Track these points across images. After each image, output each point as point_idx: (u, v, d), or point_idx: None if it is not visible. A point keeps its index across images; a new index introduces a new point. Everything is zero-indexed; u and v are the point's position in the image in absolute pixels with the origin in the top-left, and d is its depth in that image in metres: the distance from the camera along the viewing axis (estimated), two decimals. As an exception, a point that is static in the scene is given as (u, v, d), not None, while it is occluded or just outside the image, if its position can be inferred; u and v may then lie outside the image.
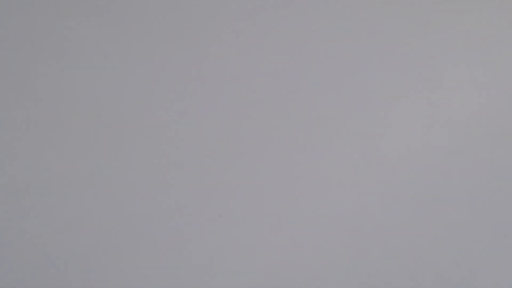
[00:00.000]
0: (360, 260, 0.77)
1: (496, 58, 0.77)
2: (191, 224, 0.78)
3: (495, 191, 0.77)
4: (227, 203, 0.78)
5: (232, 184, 0.78)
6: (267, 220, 0.78)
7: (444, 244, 0.77)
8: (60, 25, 0.79)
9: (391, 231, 0.77)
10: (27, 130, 0.79)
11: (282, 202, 0.78)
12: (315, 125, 0.77)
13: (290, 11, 0.77)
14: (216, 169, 0.78)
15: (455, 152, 0.77)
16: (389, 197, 0.77)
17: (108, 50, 0.79)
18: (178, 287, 0.79)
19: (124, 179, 0.79)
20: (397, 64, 0.77)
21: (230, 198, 0.78)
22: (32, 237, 0.80)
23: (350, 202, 0.78)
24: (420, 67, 0.77)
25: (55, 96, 0.79)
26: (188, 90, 0.79)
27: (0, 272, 0.80)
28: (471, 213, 0.77)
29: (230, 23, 0.78)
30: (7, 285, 0.80)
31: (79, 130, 0.79)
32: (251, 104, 0.78)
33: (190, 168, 0.79)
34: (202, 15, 0.78)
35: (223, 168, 0.78)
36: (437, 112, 0.77)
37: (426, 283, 0.77)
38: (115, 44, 0.79)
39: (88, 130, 0.79)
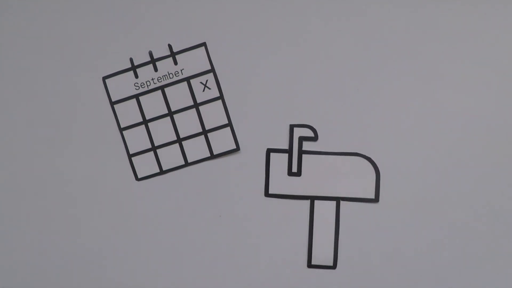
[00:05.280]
0: (360, 260, 0.77)
1: (496, 57, 0.76)
2: (191, 224, 0.78)
3: (496, 191, 0.76)
4: (227, 203, 0.78)
5: (232, 184, 0.78)
6: (267, 220, 0.78)
7: (444, 244, 0.77)
8: (61, 24, 0.79)
9: (391, 231, 0.77)
10: (27, 130, 0.80)
11: (282, 201, 0.78)
12: (313, 122, 0.77)
13: (286, 10, 0.78)
14: (216, 169, 0.79)
15: (456, 151, 0.77)
16: (389, 197, 0.77)
17: (108, 50, 0.79)
18: (179, 287, 0.79)
19: (124, 178, 0.79)
20: (397, 63, 0.77)
21: (230, 198, 0.78)
22: (32, 237, 0.80)
23: (350, 202, 0.78)
24: (421, 66, 0.77)
25: (55, 96, 0.79)
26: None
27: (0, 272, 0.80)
28: (471, 213, 0.77)
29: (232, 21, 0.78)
30: (7, 285, 0.80)
31: (78, 129, 0.79)
32: (254, 104, 0.78)
33: (190, 168, 0.79)
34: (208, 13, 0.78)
35: (223, 168, 0.78)
36: (438, 111, 0.77)
37: (426, 283, 0.77)
38: (116, 43, 0.79)
39: (88, 130, 0.79)
